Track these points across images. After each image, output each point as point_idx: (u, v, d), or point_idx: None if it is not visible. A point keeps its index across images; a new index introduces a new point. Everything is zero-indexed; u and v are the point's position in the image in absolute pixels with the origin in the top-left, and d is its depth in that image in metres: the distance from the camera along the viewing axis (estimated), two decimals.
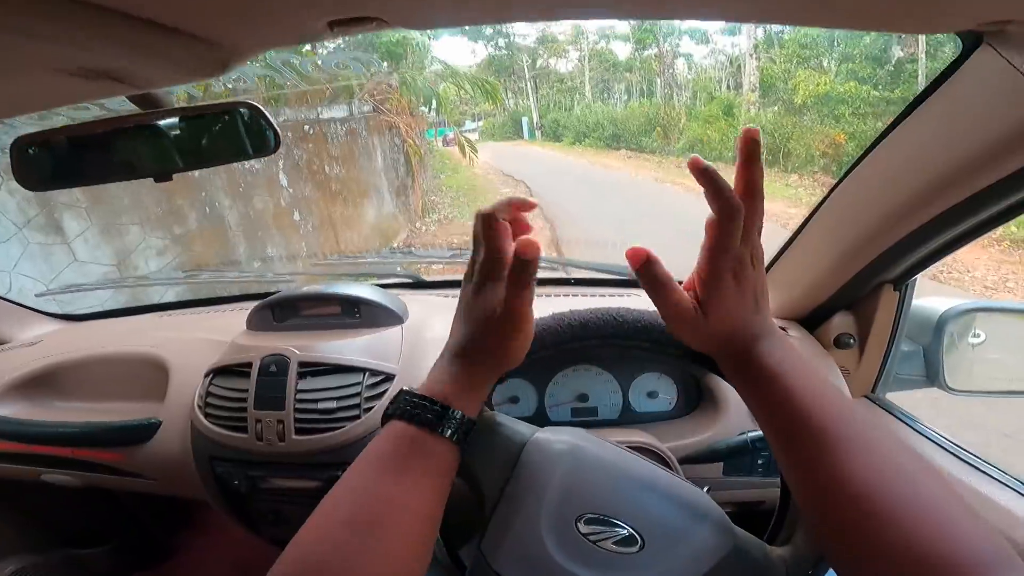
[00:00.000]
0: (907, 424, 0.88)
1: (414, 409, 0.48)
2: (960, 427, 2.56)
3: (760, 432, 0.75)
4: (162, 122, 0.60)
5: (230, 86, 4.77)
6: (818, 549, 0.53)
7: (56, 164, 0.64)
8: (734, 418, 0.85)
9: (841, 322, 0.89)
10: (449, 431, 0.48)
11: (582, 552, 0.51)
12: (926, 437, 0.84)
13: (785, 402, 0.45)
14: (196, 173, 4.56)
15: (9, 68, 0.39)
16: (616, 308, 0.59)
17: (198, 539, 1.71)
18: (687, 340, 0.51)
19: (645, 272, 0.48)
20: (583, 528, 0.52)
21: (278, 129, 0.63)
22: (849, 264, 0.80)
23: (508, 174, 12.36)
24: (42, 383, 1.16)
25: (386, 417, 0.49)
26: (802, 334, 0.94)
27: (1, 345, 1.31)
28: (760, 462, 0.83)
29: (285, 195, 5.53)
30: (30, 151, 0.62)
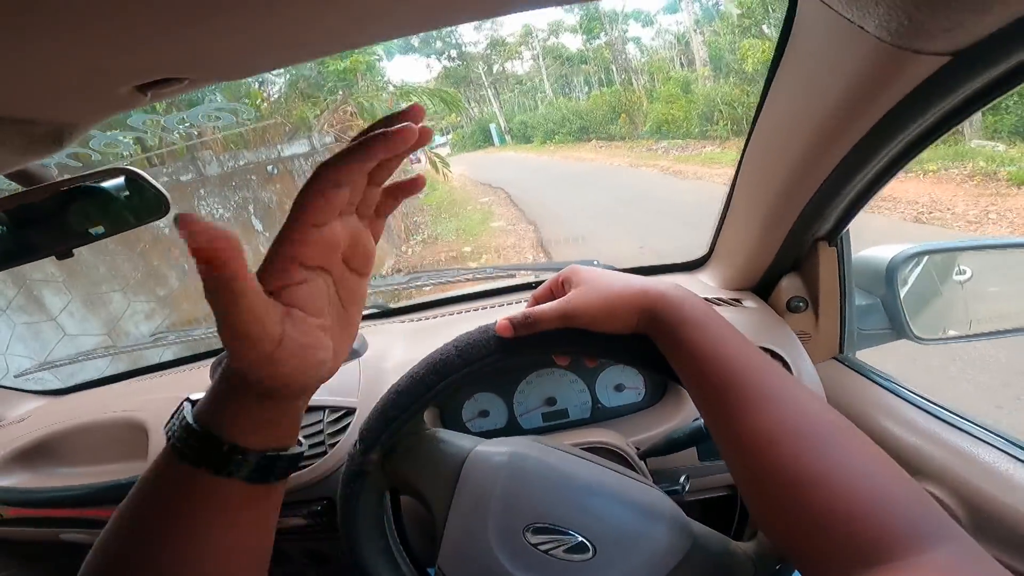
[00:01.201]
0: (879, 384, 0.85)
1: (190, 449, 0.37)
2: None
3: None
4: (48, 198, 0.59)
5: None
6: (772, 543, 0.52)
7: None
8: (693, 408, 0.84)
9: (789, 285, 0.89)
10: (243, 472, 0.37)
11: (535, 563, 0.51)
12: (900, 397, 0.82)
13: (688, 357, 0.45)
14: (166, 230, 4.55)
15: None
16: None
17: None
18: None
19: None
20: (532, 538, 0.51)
21: (163, 191, 0.63)
22: (776, 227, 0.80)
23: (485, 183, 12.39)
24: (37, 454, 1.21)
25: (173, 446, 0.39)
26: (757, 303, 0.94)
27: None
28: None
29: (262, 240, 5.52)
30: None
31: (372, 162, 0.35)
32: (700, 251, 1.15)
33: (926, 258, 0.97)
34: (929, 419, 0.77)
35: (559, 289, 0.56)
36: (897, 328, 0.95)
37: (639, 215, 7.23)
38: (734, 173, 0.84)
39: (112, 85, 0.38)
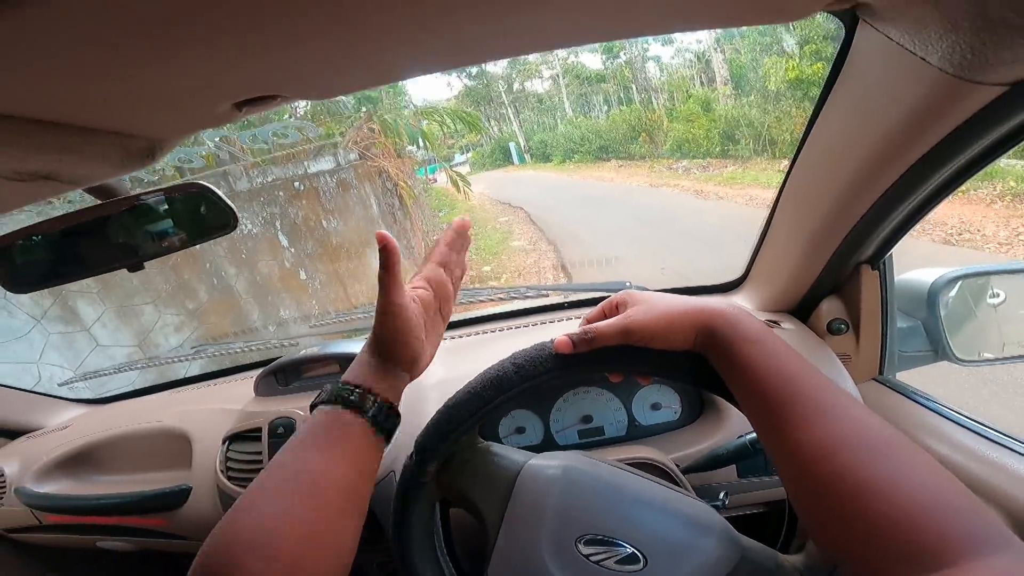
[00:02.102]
0: (921, 404, 0.86)
1: (339, 394, 0.52)
2: None
3: None
4: (123, 212, 0.62)
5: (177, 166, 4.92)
6: (827, 556, 0.52)
7: (31, 264, 0.67)
8: (736, 421, 0.85)
9: (830, 308, 0.90)
10: (371, 411, 0.52)
11: (586, 573, 0.52)
12: (943, 416, 0.82)
13: (745, 372, 0.47)
14: (196, 245, 4.64)
15: None
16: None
17: None
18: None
19: None
20: (584, 549, 0.53)
21: (232, 206, 0.66)
22: (819, 250, 0.81)
23: (505, 202, 12.43)
24: (79, 461, 1.25)
25: (314, 406, 0.53)
26: (796, 325, 0.94)
27: (36, 431, 1.41)
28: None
29: (288, 255, 5.60)
30: (6, 254, 0.64)
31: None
32: (722, 271, 1.16)
33: (961, 281, 0.97)
34: (972, 437, 0.77)
35: (612, 311, 0.58)
36: (938, 350, 0.95)
37: (660, 235, 7.20)
38: (775, 196, 0.85)
39: (212, 102, 0.41)
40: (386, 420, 0.54)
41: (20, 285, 0.68)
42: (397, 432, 0.91)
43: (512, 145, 24.11)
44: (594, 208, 10.23)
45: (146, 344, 4.25)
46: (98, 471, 1.24)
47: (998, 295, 0.96)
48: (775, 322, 0.95)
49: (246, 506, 0.47)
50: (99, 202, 0.62)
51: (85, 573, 1.50)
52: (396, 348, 0.55)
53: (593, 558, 0.52)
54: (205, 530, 1.07)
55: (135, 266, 0.66)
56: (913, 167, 0.59)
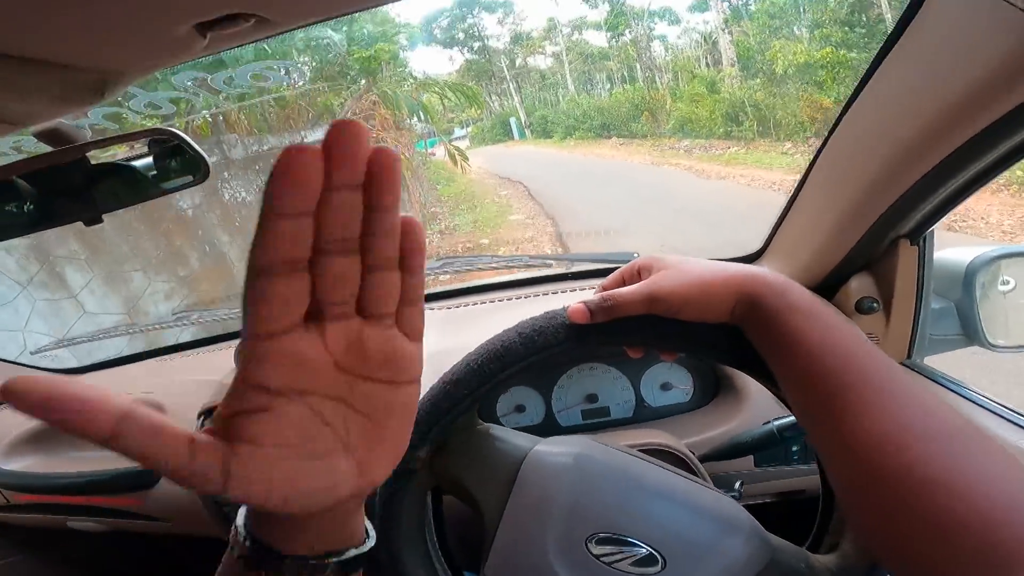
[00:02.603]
0: (950, 389, 0.80)
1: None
2: None
3: (788, 419, 0.69)
4: (78, 160, 0.54)
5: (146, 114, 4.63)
6: (871, 555, 0.47)
7: None
8: (757, 406, 0.79)
9: (860, 285, 0.83)
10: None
11: (596, 575, 0.46)
12: (978, 404, 0.76)
13: (795, 347, 0.40)
14: (189, 211, 4.56)
15: None
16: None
17: None
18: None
19: None
20: (595, 549, 0.47)
21: (203, 154, 0.58)
22: (856, 221, 0.74)
23: (505, 176, 12.34)
24: (50, 435, 1.19)
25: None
26: None
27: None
28: (795, 449, 0.77)
29: None
30: None
31: (293, 215, 0.24)
32: (722, 249, 1.09)
33: (1000, 262, 0.92)
34: (1000, 423, 0.72)
35: (633, 277, 0.50)
36: (971, 333, 0.89)
37: (659, 213, 7.15)
38: (808, 166, 0.79)
39: (169, 23, 0.33)
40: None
41: None
42: None
43: (513, 120, 23.87)
44: (594, 184, 10.15)
45: (135, 311, 4.17)
46: (69, 446, 1.18)
47: (1008, 282, 0.91)
48: None
49: None
50: (51, 149, 0.54)
51: (57, 553, 1.45)
52: (274, 513, 0.29)
53: (605, 559, 0.46)
54: (177, 511, 1.00)
55: (92, 220, 0.58)
56: (980, 134, 0.52)
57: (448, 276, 1.34)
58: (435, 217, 9.05)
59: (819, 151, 0.75)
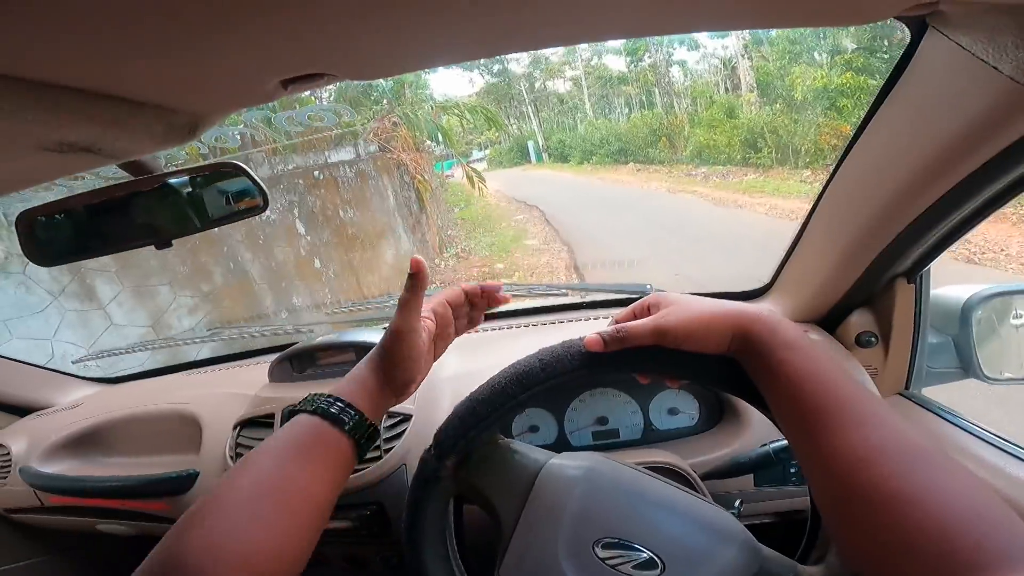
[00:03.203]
0: (946, 419, 0.84)
1: (322, 406, 0.52)
2: None
3: (783, 442, 0.73)
4: (154, 189, 0.61)
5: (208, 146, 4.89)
6: (854, 567, 0.51)
7: (60, 238, 0.66)
8: (757, 430, 0.84)
9: (860, 320, 0.87)
10: (353, 429, 0.52)
11: None
12: (968, 432, 0.81)
13: (782, 378, 0.46)
14: (215, 229, 4.68)
15: None
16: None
17: None
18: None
19: None
20: (601, 553, 0.51)
21: (264, 187, 0.65)
22: (854, 261, 0.79)
23: (521, 200, 12.40)
24: (87, 442, 1.23)
25: (293, 412, 0.53)
26: (822, 336, 0.92)
27: (45, 409, 1.40)
28: (792, 471, 0.81)
29: (304, 243, 5.64)
30: (35, 227, 0.64)
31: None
32: (738, 281, 1.13)
33: (996, 299, 0.95)
34: (999, 455, 0.76)
35: (643, 313, 0.57)
36: (967, 367, 0.93)
37: (675, 241, 7.14)
38: (812, 204, 0.83)
39: (260, 78, 0.40)
40: (366, 440, 0.54)
41: (46, 258, 0.67)
42: (409, 425, 0.91)
43: (531, 144, 24.10)
44: (610, 211, 10.18)
45: (159, 325, 4.27)
46: (105, 452, 1.23)
47: (1021, 316, 0.95)
48: None
49: (215, 508, 0.45)
50: (131, 178, 0.61)
51: (83, 556, 1.48)
52: (397, 369, 0.56)
53: (610, 562, 0.51)
54: None
55: (163, 244, 0.65)
56: (966, 179, 0.57)
57: None
58: (452, 240, 9.13)
59: (822, 192, 0.80)
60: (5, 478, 1.24)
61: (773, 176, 9.86)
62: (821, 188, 0.79)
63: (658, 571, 0.50)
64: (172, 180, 0.62)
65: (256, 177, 0.64)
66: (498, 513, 0.56)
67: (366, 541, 0.93)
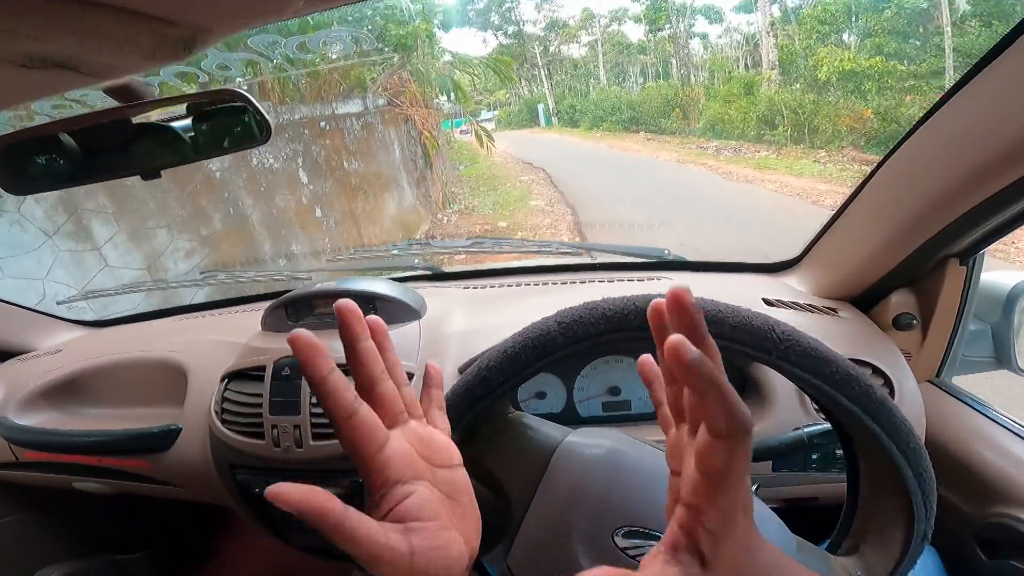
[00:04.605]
0: (976, 410, 0.81)
1: None
2: None
3: (820, 427, 0.69)
4: (144, 116, 0.55)
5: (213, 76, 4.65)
6: (893, 559, 0.47)
7: (37, 165, 0.60)
8: (783, 412, 0.78)
9: (901, 301, 0.82)
10: None
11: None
12: (1001, 426, 0.77)
13: None
14: (217, 173, 4.59)
15: None
16: (659, 295, 0.51)
17: (236, 543, 1.71)
18: None
19: None
20: (620, 542, 0.47)
21: (267, 117, 0.58)
22: (910, 238, 0.73)
23: (527, 161, 12.25)
24: (67, 390, 1.16)
25: None
26: (855, 315, 0.87)
27: (27, 354, 1.31)
28: (815, 457, 0.76)
29: (306, 192, 5.55)
30: (9, 153, 0.57)
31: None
32: (742, 254, 1.08)
33: None
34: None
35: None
36: (1001, 357, 0.89)
37: (681, 211, 7.06)
38: (863, 180, 0.77)
39: None
40: None
41: (20, 186, 0.61)
42: (410, 385, 0.85)
43: (540, 107, 23.68)
44: (617, 177, 10.04)
45: (155, 268, 4.21)
46: (85, 403, 1.15)
47: None
48: (832, 309, 0.87)
49: None
50: (119, 104, 0.54)
51: (56, 515, 1.41)
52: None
53: (630, 552, 0.46)
54: (188, 477, 0.98)
55: (150, 174, 0.59)
56: None
57: (463, 257, 1.34)
58: (455, 197, 9.04)
59: (878, 167, 0.74)
60: None
61: (786, 154, 9.69)
62: (877, 164, 0.74)
63: None
64: (167, 107, 0.55)
65: (259, 106, 0.57)
66: (507, 494, 0.51)
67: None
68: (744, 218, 6.28)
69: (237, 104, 0.57)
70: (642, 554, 0.46)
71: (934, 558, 0.76)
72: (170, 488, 1.06)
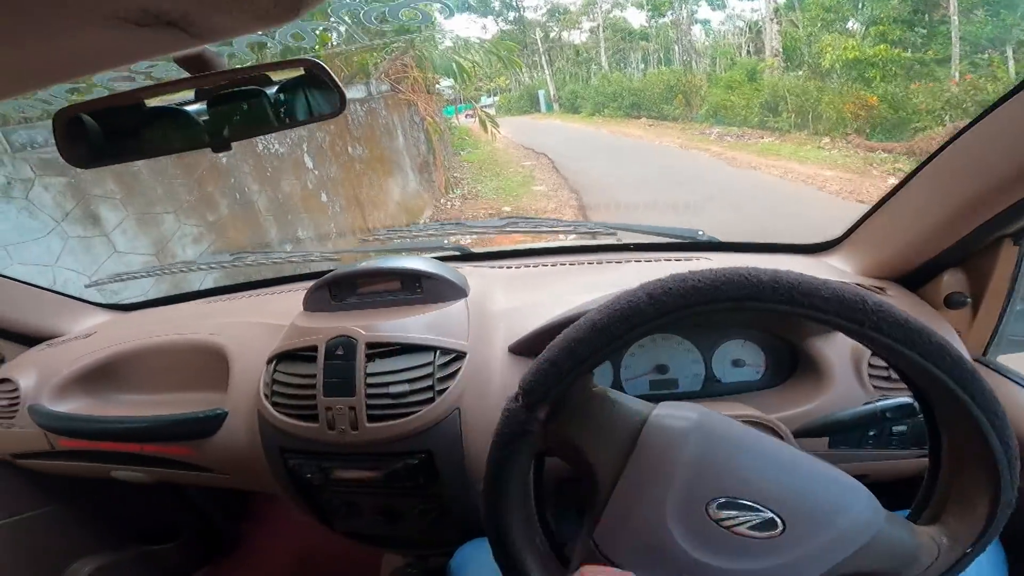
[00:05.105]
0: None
1: None
2: None
3: (894, 401, 0.69)
4: (218, 87, 0.54)
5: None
6: (978, 526, 0.48)
7: (104, 138, 0.59)
8: (842, 387, 0.79)
9: (952, 280, 0.82)
10: None
11: (713, 539, 0.47)
12: None
13: None
14: (223, 159, 4.57)
15: (61, 18, 0.34)
16: (745, 267, 0.49)
17: (262, 530, 1.73)
18: None
19: None
20: (715, 513, 0.47)
21: (342, 87, 0.57)
22: (969, 218, 0.73)
23: (529, 147, 12.19)
24: (102, 375, 1.13)
25: None
26: (903, 294, 0.87)
27: (56, 338, 1.29)
28: (871, 434, 0.76)
29: (311, 177, 5.53)
30: (75, 124, 0.56)
31: None
32: (747, 238, 1.08)
33: None
34: None
35: None
36: None
37: (684, 196, 7.03)
38: (923, 161, 0.78)
39: None
40: None
41: (83, 159, 0.60)
42: (463, 364, 0.85)
43: (541, 93, 23.52)
44: (620, 163, 9.99)
45: (164, 253, 4.20)
46: (121, 388, 1.13)
47: None
48: (880, 288, 0.87)
49: None
50: (189, 75, 0.54)
51: (92, 505, 1.39)
52: None
53: (725, 523, 0.47)
54: (235, 463, 0.97)
55: (221, 146, 0.58)
56: None
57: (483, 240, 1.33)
58: (458, 182, 9.01)
59: (942, 148, 0.74)
60: (12, 418, 1.13)
61: (790, 140, 9.65)
62: (941, 144, 0.74)
63: (779, 531, 0.46)
64: (237, 78, 0.54)
65: (334, 76, 0.57)
66: (594, 470, 0.51)
67: (407, 492, 0.88)
68: (748, 203, 6.25)
69: (312, 74, 0.57)
70: (739, 524, 0.46)
71: (997, 550, 0.75)
72: (215, 475, 1.04)
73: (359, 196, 6.27)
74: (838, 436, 0.77)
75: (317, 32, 4.74)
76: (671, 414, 0.52)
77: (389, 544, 1.07)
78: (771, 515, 0.46)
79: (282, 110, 0.58)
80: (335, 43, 7.23)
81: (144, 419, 1.01)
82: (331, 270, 0.98)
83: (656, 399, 0.89)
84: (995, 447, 0.45)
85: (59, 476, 1.22)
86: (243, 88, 0.55)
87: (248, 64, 0.56)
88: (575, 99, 20.86)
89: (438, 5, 7.23)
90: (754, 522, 0.46)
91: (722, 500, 0.47)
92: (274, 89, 0.57)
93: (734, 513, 0.47)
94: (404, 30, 8.00)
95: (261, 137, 4.96)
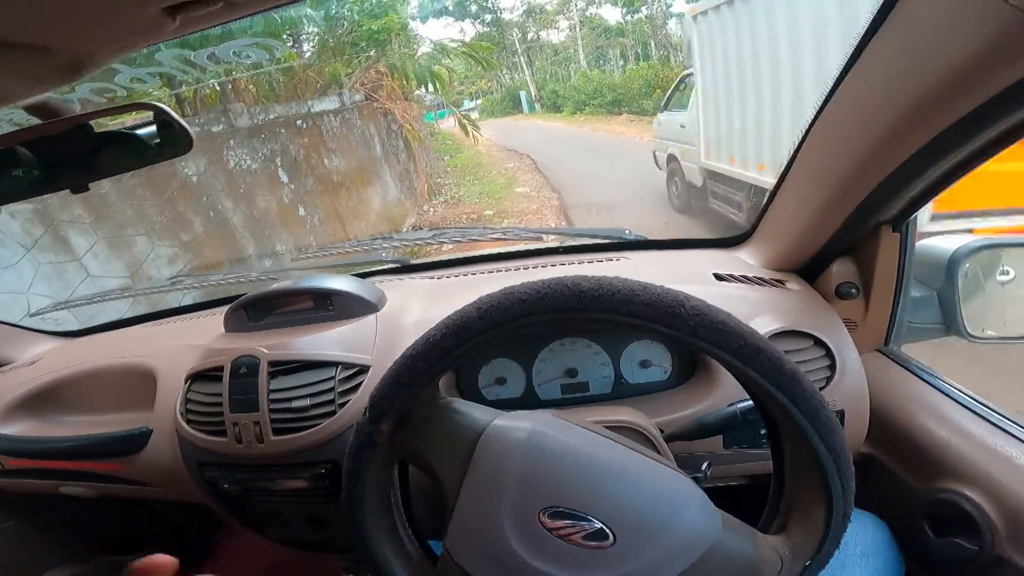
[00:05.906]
0: (926, 381, 0.81)
1: None
2: None
3: (748, 403, 0.69)
4: (66, 132, 0.55)
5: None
6: (817, 538, 0.48)
7: None
8: (726, 388, 0.79)
9: (841, 270, 0.83)
10: None
11: (549, 548, 0.47)
12: (948, 396, 0.77)
13: None
14: (194, 178, 4.56)
15: None
16: (573, 276, 0.49)
17: (232, 541, 1.74)
18: None
19: None
20: (548, 522, 0.47)
21: (187, 127, 0.59)
22: (838, 206, 0.74)
23: (511, 149, 12.20)
24: (45, 400, 1.18)
25: None
26: (802, 286, 0.88)
27: (5, 366, 1.33)
28: (763, 432, 0.77)
29: (287, 192, 5.52)
30: None
31: None
32: (727, 233, 1.09)
33: (984, 252, 0.91)
34: (972, 419, 0.73)
35: None
36: (950, 323, 0.90)
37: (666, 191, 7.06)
38: (794, 148, 0.77)
39: (138, 6, 0.33)
40: None
41: None
42: (366, 378, 0.87)
43: (523, 94, 23.55)
44: (602, 160, 10.03)
45: (138, 275, 4.19)
46: (63, 411, 1.18)
47: (1008, 272, 0.92)
48: (780, 281, 0.88)
49: None
50: (39, 122, 0.55)
51: (47, 519, 1.44)
52: None
53: (558, 532, 0.47)
54: (163, 477, 1.01)
55: (78, 187, 0.60)
56: (962, 120, 0.52)
57: (438, 247, 1.34)
58: (440, 188, 9.01)
59: (805, 134, 0.74)
60: None
61: None
62: (803, 131, 0.73)
63: (609, 542, 0.46)
64: (85, 122, 0.55)
65: (176, 116, 0.59)
66: (441, 480, 0.52)
67: (322, 500, 0.91)
68: None
69: (157, 115, 0.58)
70: (571, 534, 0.47)
71: (884, 533, 0.75)
72: (149, 489, 1.08)
73: (338, 208, 6.26)
74: (730, 435, 0.78)
75: (156, 75, 4.80)
76: (507, 425, 0.52)
77: (325, 550, 1.09)
78: (600, 525, 0.46)
79: (126, 151, 0.59)
80: (306, 55, 7.23)
81: (78, 438, 1.06)
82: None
83: (568, 403, 0.91)
84: (821, 454, 0.45)
85: (16, 493, 1.28)
86: (88, 131, 0.56)
87: (95, 109, 0.57)
88: (556, 98, 20.89)
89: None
90: (587, 531, 0.46)
91: (553, 509, 0.47)
92: (124, 131, 0.58)
93: (568, 522, 0.47)
94: (375, 40, 8.00)
95: (232, 153, 4.96)
